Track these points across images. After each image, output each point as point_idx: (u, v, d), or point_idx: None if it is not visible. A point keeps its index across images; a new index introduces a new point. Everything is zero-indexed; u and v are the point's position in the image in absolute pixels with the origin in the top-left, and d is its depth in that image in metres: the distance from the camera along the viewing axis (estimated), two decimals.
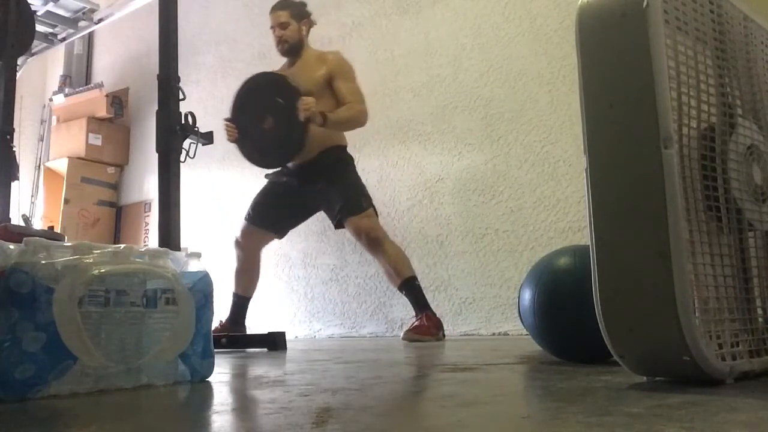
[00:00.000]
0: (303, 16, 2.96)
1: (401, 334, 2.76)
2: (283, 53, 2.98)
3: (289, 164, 2.90)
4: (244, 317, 2.98)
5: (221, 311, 2.99)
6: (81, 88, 5.15)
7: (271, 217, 2.95)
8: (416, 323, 2.73)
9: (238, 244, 2.97)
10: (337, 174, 2.87)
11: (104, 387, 1.08)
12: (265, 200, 2.97)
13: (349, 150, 3.42)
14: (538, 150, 3.04)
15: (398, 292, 2.90)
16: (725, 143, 0.98)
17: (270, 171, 3.01)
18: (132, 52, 5.23)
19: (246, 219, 2.96)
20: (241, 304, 2.98)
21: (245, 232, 2.95)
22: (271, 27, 2.96)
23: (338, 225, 2.89)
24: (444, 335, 2.75)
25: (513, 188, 3.10)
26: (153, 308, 1.16)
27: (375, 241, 2.80)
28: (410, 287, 2.79)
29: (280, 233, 3.02)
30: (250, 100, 2.80)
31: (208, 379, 1.26)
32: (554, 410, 0.79)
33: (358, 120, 2.87)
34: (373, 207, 2.89)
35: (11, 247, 1.04)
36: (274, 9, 2.96)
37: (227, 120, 2.85)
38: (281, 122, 2.74)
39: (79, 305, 1.05)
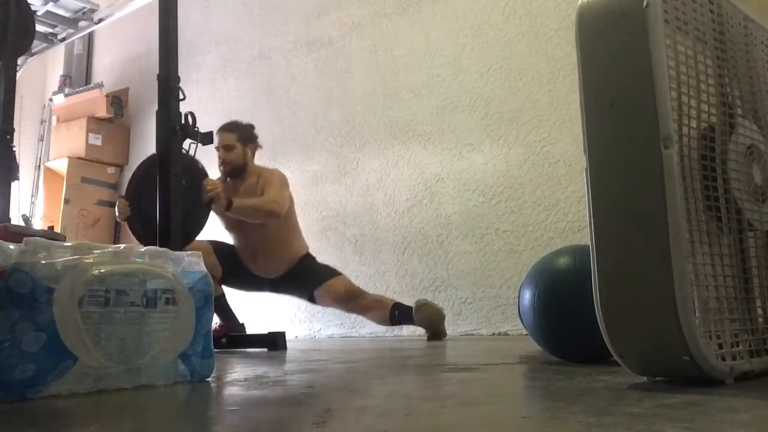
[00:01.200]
0: (250, 139, 2.95)
1: (413, 313, 2.77)
2: (225, 175, 2.93)
3: (262, 276, 2.94)
4: (233, 312, 2.95)
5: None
6: (81, 88, 5.15)
7: (230, 269, 2.88)
8: (428, 335, 2.79)
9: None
10: (306, 280, 2.93)
11: (104, 387, 1.08)
12: (235, 258, 2.93)
13: (349, 149, 3.43)
14: (538, 150, 3.04)
15: (401, 291, 2.92)
16: (725, 143, 0.98)
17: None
18: (132, 52, 5.23)
19: (208, 240, 2.89)
20: (218, 302, 2.94)
21: (196, 244, 2.80)
22: (216, 147, 2.87)
23: (311, 299, 2.95)
24: (446, 334, 2.76)
25: (513, 188, 3.10)
26: (153, 308, 1.16)
27: (356, 295, 2.88)
28: (400, 308, 2.82)
29: (224, 282, 2.92)
30: (151, 179, 2.42)
31: (208, 379, 1.26)
32: (554, 410, 0.79)
33: (267, 210, 2.76)
34: (342, 275, 2.96)
35: (11, 247, 1.04)
36: (221, 130, 2.90)
37: (121, 197, 2.67)
38: (182, 204, 2.39)
39: (79, 305, 1.05)
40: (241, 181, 2.90)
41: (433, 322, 2.76)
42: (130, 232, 2.65)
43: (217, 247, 2.91)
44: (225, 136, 2.89)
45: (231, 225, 2.96)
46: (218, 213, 2.81)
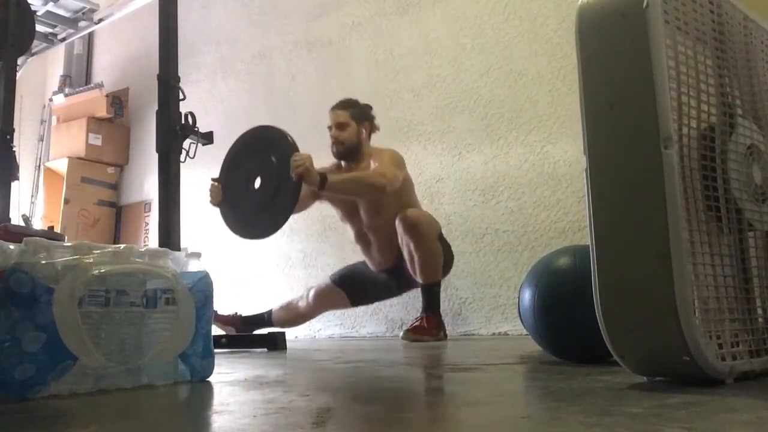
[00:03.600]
0: (365, 118, 2.77)
1: (401, 334, 2.76)
2: (337, 155, 2.77)
3: (379, 273, 2.84)
4: (255, 329, 2.99)
5: (221, 311, 2.99)
6: (81, 88, 5.15)
7: (359, 290, 2.88)
8: (416, 323, 2.72)
9: (310, 299, 2.92)
10: None
11: (104, 387, 1.08)
12: (359, 278, 2.89)
13: None
14: (538, 150, 3.04)
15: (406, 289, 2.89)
16: (725, 143, 0.98)
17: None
18: (132, 52, 5.23)
19: (333, 281, 2.91)
20: (265, 324, 2.97)
21: (324, 291, 2.86)
22: (328, 126, 2.75)
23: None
24: (446, 335, 2.75)
25: (513, 188, 3.09)
26: (153, 308, 1.16)
27: (426, 236, 2.62)
28: (432, 287, 2.71)
29: (355, 304, 2.95)
30: (242, 158, 2.42)
31: (208, 379, 1.26)
32: (554, 410, 0.79)
33: (370, 182, 2.53)
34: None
35: (11, 247, 1.04)
36: (335, 108, 2.77)
37: (213, 180, 2.56)
38: (270, 183, 2.36)
39: (79, 305, 1.05)
40: (355, 165, 2.71)
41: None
42: (222, 219, 2.45)
43: (336, 279, 2.89)
44: (338, 114, 2.73)
45: (345, 214, 2.80)
46: (311, 195, 2.57)
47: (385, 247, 2.76)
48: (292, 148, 2.38)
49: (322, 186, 2.40)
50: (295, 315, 3.01)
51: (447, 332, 2.79)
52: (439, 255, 2.69)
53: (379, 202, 2.66)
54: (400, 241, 2.64)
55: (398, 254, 2.72)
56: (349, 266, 3.01)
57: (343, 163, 2.81)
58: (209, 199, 2.53)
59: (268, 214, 2.37)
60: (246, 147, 2.47)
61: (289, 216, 2.35)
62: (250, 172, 2.39)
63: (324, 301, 2.98)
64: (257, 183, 2.40)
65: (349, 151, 2.73)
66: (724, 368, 0.88)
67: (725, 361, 0.88)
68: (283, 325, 2.99)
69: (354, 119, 2.74)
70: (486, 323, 3.07)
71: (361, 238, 2.81)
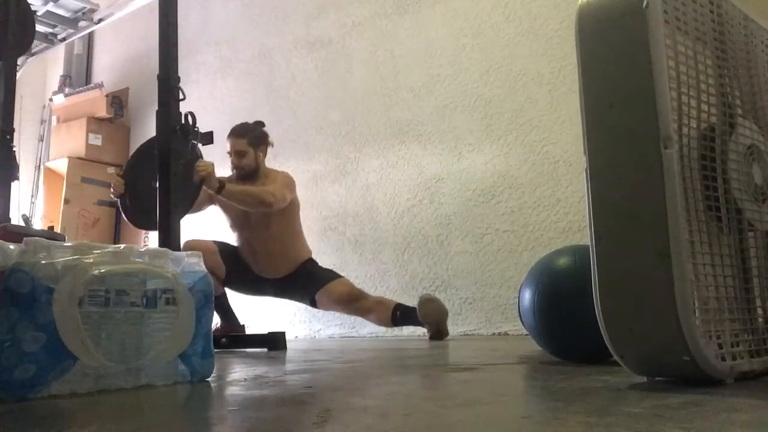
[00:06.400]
0: (261, 141, 2.94)
1: (417, 306, 2.77)
2: (237, 179, 2.92)
3: (267, 277, 2.94)
4: (233, 312, 2.96)
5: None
6: (81, 88, 5.15)
7: (234, 271, 2.89)
8: (428, 334, 2.79)
9: (185, 248, 2.91)
10: (308, 284, 2.93)
11: (104, 387, 1.08)
12: (238, 260, 2.93)
13: (349, 149, 3.42)
14: (538, 150, 3.04)
15: (400, 291, 2.92)
16: (725, 143, 0.98)
17: None
18: (132, 52, 5.23)
19: (213, 241, 2.91)
20: (220, 302, 2.95)
21: (201, 243, 2.82)
22: (228, 152, 2.91)
23: (313, 303, 2.94)
24: (447, 332, 2.76)
25: (513, 188, 3.10)
26: (153, 308, 1.16)
27: (358, 297, 2.88)
28: (403, 309, 2.82)
29: (226, 283, 2.92)
30: (147, 158, 2.50)
31: (208, 379, 1.26)
32: (554, 410, 0.79)
33: (260, 198, 2.75)
34: (342, 277, 2.97)
35: (11, 247, 1.04)
36: (232, 135, 2.91)
37: (118, 174, 2.76)
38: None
39: (79, 305, 1.05)
40: (251, 183, 2.90)
41: (436, 318, 2.76)
42: (120, 208, 2.66)
43: (223, 248, 2.91)
44: (236, 143, 2.89)
45: (235, 223, 2.96)
46: (207, 200, 2.80)
47: (266, 260, 2.94)
48: (197, 155, 2.52)
49: (220, 191, 2.62)
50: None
51: (449, 331, 2.80)
52: (372, 297, 2.92)
53: (268, 218, 2.86)
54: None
55: (283, 269, 2.94)
56: (237, 248, 3.01)
57: (239, 182, 2.95)
58: (111, 190, 2.67)
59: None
60: (149, 149, 2.54)
61: (185, 214, 2.50)
62: (152, 172, 2.48)
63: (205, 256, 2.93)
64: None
65: (248, 174, 2.90)
66: (724, 368, 0.88)
67: (725, 361, 0.88)
68: (217, 289, 2.91)
69: (251, 146, 2.90)
70: (486, 323, 3.07)
71: (248, 247, 2.96)
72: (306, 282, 2.94)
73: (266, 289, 3.01)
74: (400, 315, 2.81)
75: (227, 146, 2.92)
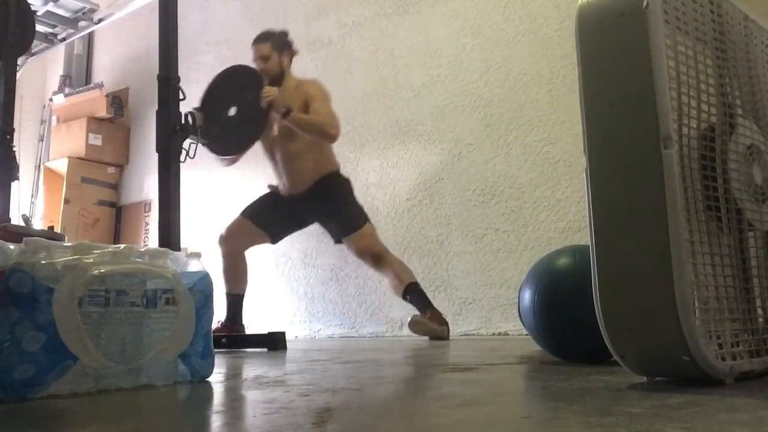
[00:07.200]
0: (285, 46, 2.98)
1: (408, 321, 2.82)
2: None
3: (287, 194, 2.95)
4: (241, 315, 2.97)
5: (221, 311, 2.99)
6: (81, 88, 5.15)
7: (269, 217, 2.97)
8: (420, 318, 2.80)
9: (224, 240, 2.94)
10: (334, 201, 2.92)
11: (104, 387, 1.08)
12: (266, 202, 3.00)
13: (349, 149, 3.41)
14: (538, 150, 3.04)
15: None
16: (725, 143, 0.98)
17: (275, 185, 3.04)
18: (132, 52, 5.23)
19: (242, 214, 2.97)
20: (235, 302, 2.97)
21: (235, 226, 2.93)
22: (253, 60, 2.96)
23: (337, 241, 2.99)
24: (449, 331, 2.77)
25: (513, 188, 3.10)
26: (153, 308, 1.16)
27: (377, 257, 2.88)
28: (414, 291, 2.84)
29: (275, 237, 3.03)
30: (219, 91, 2.78)
31: (208, 379, 1.26)
32: (554, 410, 0.79)
33: (324, 130, 2.81)
34: (369, 221, 2.96)
35: (11, 247, 1.04)
36: (256, 41, 2.97)
37: (195, 108, 2.82)
38: (242, 112, 2.74)
39: (79, 305, 1.05)
40: (279, 88, 2.92)
41: (425, 333, 2.78)
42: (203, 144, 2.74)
43: (252, 213, 2.95)
44: (260, 47, 2.95)
45: (266, 148, 2.99)
46: (270, 127, 2.84)
47: (294, 171, 2.93)
48: (262, 82, 2.75)
49: (286, 115, 2.71)
50: (227, 270, 2.94)
51: (449, 330, 2.80)
52: (398, 262, 2.92)
53: (301, 139, 2.88)
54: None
55: (306, 177, 2.91)
56: (261, 198, 3.04)
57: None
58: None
59: (240, 134, 2.76)
60: (220, 82, 2.81)
61: (258, 137, 2.78)
62: (225, 103, 2.76)
63: (238, 239, 2.96)
64: (231, 111, 2.75)
65: (274, 81, 2.92)
66: (724, 368, 0.88)
67: (725, 361, 0.88)
68: (237, 287, 2.95)
69: (275, 49, 2.96)
70: (486, 323, 3.07)
71: (278, 168, 2.99)
72: (330, 205, 2.90)
73: (302, 214, 2.98)
74: (411, 298, 2.84)
75: (252, 55, 2.97)
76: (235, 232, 2.95)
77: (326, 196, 2.92)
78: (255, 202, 3.01)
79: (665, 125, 0.88)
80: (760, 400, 0.80)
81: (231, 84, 2.81)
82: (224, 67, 2.92)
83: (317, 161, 2.90)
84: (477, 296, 3.12)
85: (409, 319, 2.84)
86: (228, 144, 2.79)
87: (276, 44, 2.95)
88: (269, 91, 2.68)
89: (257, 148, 3.06)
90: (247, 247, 3.00)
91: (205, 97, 2.81)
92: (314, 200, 2.91)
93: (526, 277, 1.46)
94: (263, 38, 2.97)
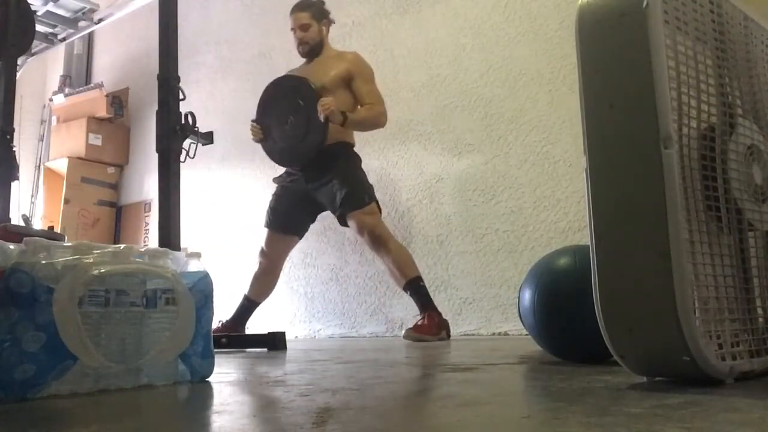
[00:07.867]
0: (323, 15, 2.99)
1: (402, 333, 2.76)
2: (304, 55, 3.01)
3: (301, 164, 2.93)
4: (247, 320, 2.98)
5: (221, 311, 2.99)
6: (81, 88, 5.15)
7: (288, 219, 2.97)
8: (418, 322, 2.73)
9: (264, 253, 2.99)
10: (341, 168, 2.86)
11: (104, 387, 1.08)
12: (279, 205, 2.98)
13: None
14: (538, 150, 3.04)
15: (401, 291, 2.89)
16: (725, 143, 0.98)
17: (278, 175, 3.06)
18: (132, 52, 5.23)
19: (267, 227, 2.98)
20: (248, 307, 2.99)
21: (270, 240, 2.98)
22: (292, 29, 2.98)
23: (341, 220, 2.89)
24: (449, 335, 2.74)
25: (513, 188, 3.09)
26: (153, 308, 1.16)
27: (378, 239, 2.79)
28: (415, 288, 2.78)
29: (300, 233, 3.04)
30: (274, 102, 2.90)
31: (208, 379, 1.26)
32: (554, 410, 0.79)
33: (377, 121, 2.90)
34: (377, 203, 2.90)
35: (11, 247, 1.04)
36: (295, 10, 2.98)
37: (253, 121, 2.94)
38: (301, 122, 2.83)
39: (79, 305, 1.05)
40: (318, 59, 2.96)
41: (418, 340, 2.71)
42: (265, 152, 2.97)
43: (269, 223, 2.96)
44: (299, 16, 2.96)
45: None
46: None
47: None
48: (317, 93, 2.78)
49: (344, 123, 2.75)
50: (259, 275, 2.99)
51: (450, 332, 2.78)
52: (400, 251, 2.85)
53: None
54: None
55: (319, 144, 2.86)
56: (273, 202, 3.03)
57: (306, 61, 3.04)
58: (251, 137, 2.94)
59: (302, 146, 2.86)
60: (274, 94, 2.94)
61: (320, 146, 2.81)
62: (281, 114, 2.88)
63: (276, 250, 2.99)
64: (289, 122, 2.88)
65: (313, 50, 2.98)
66: (724, 368, 0.88)
67: (725, 361, 0.88)
68: (258, 295, 2.99)
69: (314, 19, 2.97)
70: (486, 323, 3.07)
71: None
72: (340, 172, 2.83)
73: (310, 193, 2.91)
74: (411, 293, 2.80)
75: (290, 23, 2.99)
76: (268, 245, 2.99)
77: (336, 160, 2.85)
78: (268, 210, 3.00)
79: (665, 125, 0.88)
80: (760, 400, 0.80)
81: (285, 95, 2.91)
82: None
83: (337, 129, 2.82)
84: (477, 296, 3.12)
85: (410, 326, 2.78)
86: (293, 155, 2.91)
87: (315, 13, 2.96)
88: (327, 103, 2.70)
89: (257, 148, 3.07)
90: (284, 255, 3.05)
91: (260, 109, 2.93)
92: (324, 164, 2.84)
93: (526, 277, 1.46)
94: (302, 7, 2.97)
